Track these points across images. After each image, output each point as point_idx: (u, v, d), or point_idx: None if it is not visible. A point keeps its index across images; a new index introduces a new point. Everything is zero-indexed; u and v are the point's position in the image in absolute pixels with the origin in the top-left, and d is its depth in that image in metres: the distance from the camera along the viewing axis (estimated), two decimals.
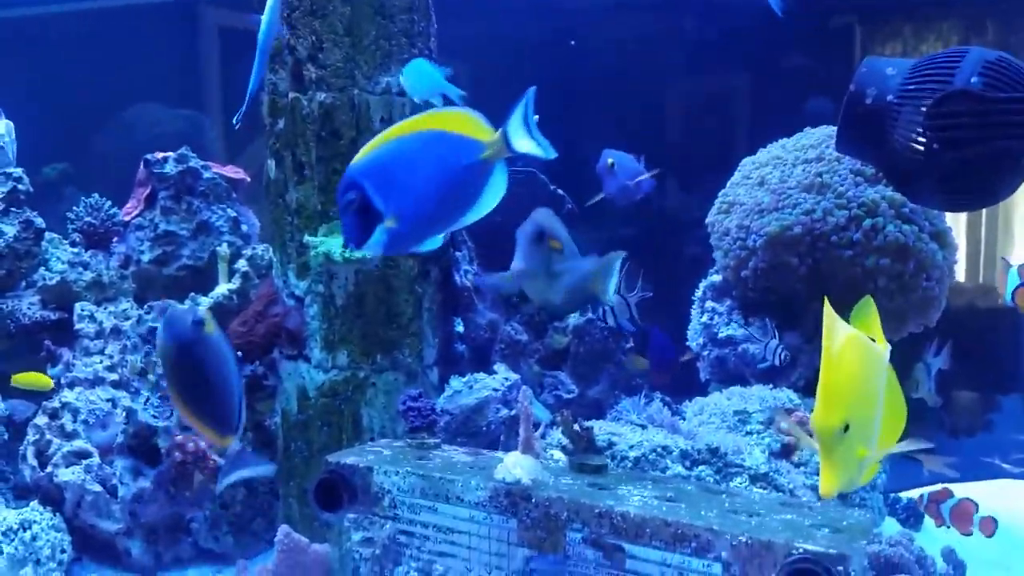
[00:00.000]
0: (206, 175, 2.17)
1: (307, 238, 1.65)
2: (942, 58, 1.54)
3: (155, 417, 1.83)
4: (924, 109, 1.49)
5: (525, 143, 1.02)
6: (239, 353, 1.81)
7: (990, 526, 1.98)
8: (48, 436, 1.88)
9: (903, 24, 2.95)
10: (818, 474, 1.71)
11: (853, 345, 0.92)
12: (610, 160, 1.92)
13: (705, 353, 2.14)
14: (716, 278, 2.18)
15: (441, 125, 1.04)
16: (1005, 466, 2.66)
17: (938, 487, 2.03)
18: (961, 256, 2.58)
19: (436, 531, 1.30)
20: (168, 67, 3.57)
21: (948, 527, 2.15)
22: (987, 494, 2.48)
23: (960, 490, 2.52)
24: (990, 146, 1.55)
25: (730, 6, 2.80)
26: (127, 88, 3.52)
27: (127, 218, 2.21)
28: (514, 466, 1.25)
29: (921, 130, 1.56)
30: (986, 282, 2.90)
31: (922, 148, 1.57)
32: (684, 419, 1.82)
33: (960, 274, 2.54)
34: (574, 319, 1.94)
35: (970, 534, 2.00)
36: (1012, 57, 1.65)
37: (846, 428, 0.88)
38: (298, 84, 1.68)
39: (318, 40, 1.64)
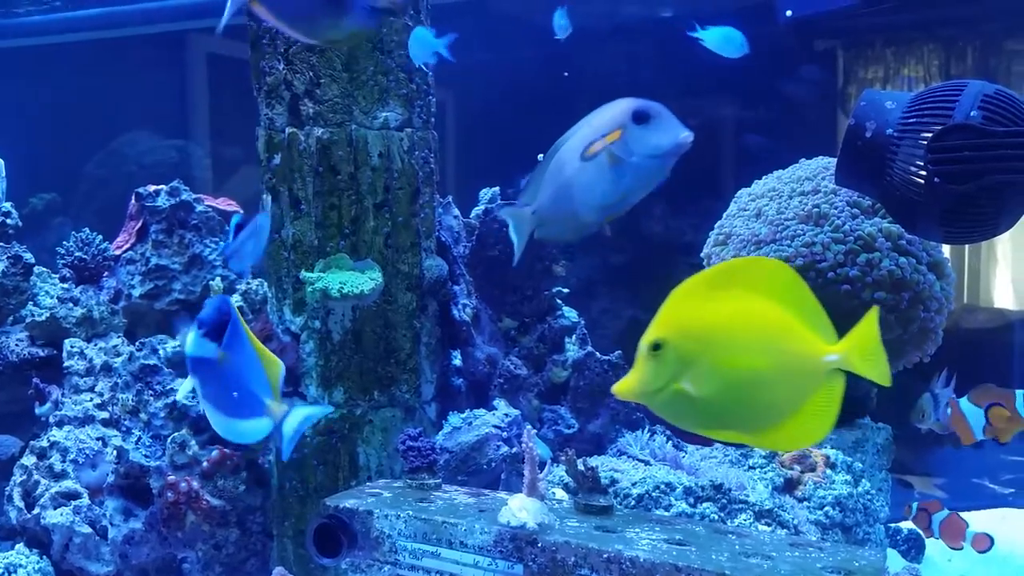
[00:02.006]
0: (198, 208, 2.14)
1: (304, 274, 1.63)
2: (941, 91, 1.55)
3: (147, 457, 1.79)
4: (924, 142, 1.49)
5: None
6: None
7: (984, 542, 1.96)
8: (36, 476, 1.84)
9: (885, 48, 2.99)
10: (822, 508, 1.70)
11: (733, 298, 0.91)
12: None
13: None
14: None
15: None
16: (994, 487, 2.66)
17: (931, 500, 2.01)
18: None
19: None
20: (157, 96, 3.56)
21: (950, 560, 2.14)
22: (988, 521, 2.48)
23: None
24: (990, 179, 1.55)
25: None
26: (116, 117, 3.50)
27: (118, 252, 2.18)
28: (519, 509, 1.22)
29: (921, 163, 1.56)
30: (971, 302, 2.91)
31: (922, 181, 1.57)
32: (686, 453, 1.80)
33: None
34: (573, 353, 1.93)
35: (960, 548, 1.97)
36: (1009, 90, 1.66)
37: (657, 347, 0.89)
38: (295, 119, 1.66)
39: (316, 76, 1.63)
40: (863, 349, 0.92)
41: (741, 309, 0.91)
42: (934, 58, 2.96)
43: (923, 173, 1.59)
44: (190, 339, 1.20)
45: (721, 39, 1.77)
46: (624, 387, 0.93)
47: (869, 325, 0.94)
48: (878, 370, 0.93)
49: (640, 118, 1.18)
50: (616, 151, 1.17)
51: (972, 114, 1.58)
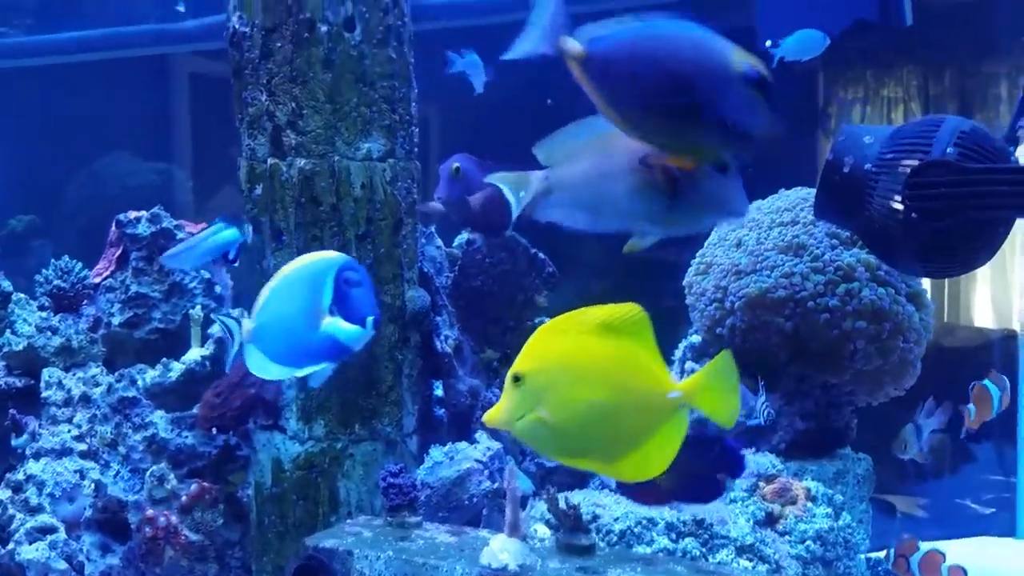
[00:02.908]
0: (179, 235, 2.13)
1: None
2: (919, 128, 1.57)
3: (125, 491, 1.77)
4: (902, 178, 1.51)
5: None
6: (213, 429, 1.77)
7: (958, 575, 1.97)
8: (11, 511, 1.81)
9: (864, 69, 3.02)
10: (803, 542, 1.70)
11: (588, 337, 0.98)
12: (455, 165, 1.81)
13: None
14: (695, 338, 2.17)
15: None
16: (975, 507, 2.67)
17: (906, 540, 2.02)
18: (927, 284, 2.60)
19: None
20: (139, 117, 3.54)
21: None
22: (966, 551, 2.48)
23: (941, 547, 2.51)
24: (967, 215, 1.57)
25: None
26: (97, 139, 3.48)
27: (97, 279, 2.16)
28: (500, 551, 1.22)
29: (899, 199, 1.57)
30: (951, 321, 2.93)
31: (900, 216, 1.59)
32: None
33: None
34: None
35: None
36: (984, 127, 1.68)
37: (518, 379, 0.98)
38: (277, 150, 1.66)
39: (298, 107, 1.63)
40: (708, 389, 0.98)
41: (594, 346, 0.98)
42: (912, 79, 2.99)
43: (901, 208, 1.61)
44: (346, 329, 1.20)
45: (799, 44, 1.76)
46: (491, 415, 1.01)
47: (719, 366, 0.99)
48: (723, 411, 0.99)
49: (719, 165, 1.12)
50: (677, 175, 1.09)
51: (948, 151, 1.59)
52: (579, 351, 0.98)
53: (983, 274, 2.87)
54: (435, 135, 3.09)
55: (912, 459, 1.92)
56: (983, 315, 2.92)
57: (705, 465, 1.19)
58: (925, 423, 1.87)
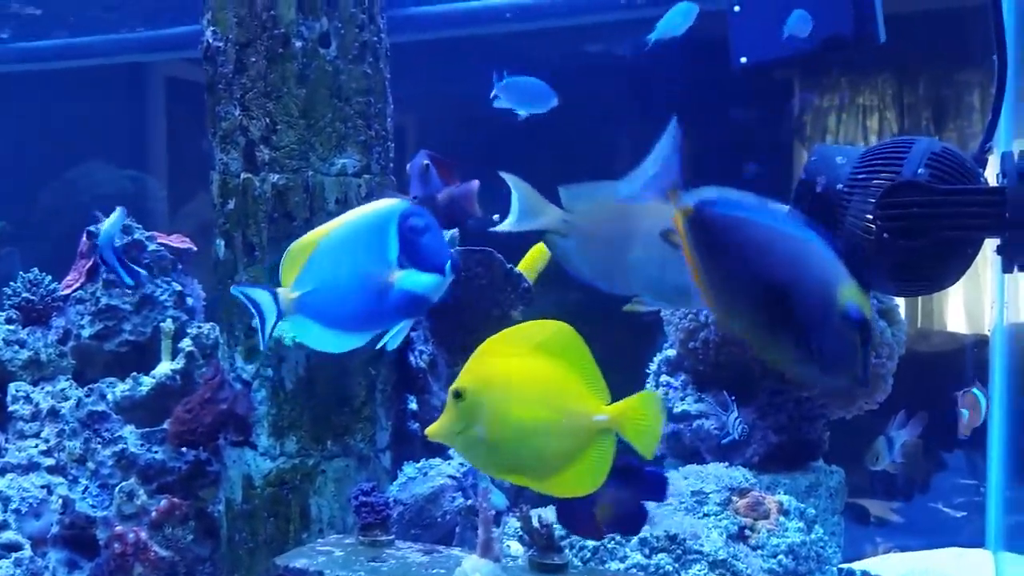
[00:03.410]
0: (150, 247, 2.11)
1: (256, 321, 1.60)
2: (890, 148, 1.58)
3: (93, 507, 1.74)
4: (873, 199, 1.52)
5: None
6: (183, 448, 1.75)
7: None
8: None
9: (840, 77, 3.05)
10: (775, 557, 1.71)
11: (525, 356, 1.02)
12: (425, 162, 1.76)
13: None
14: (670, 352, 2.18)
15: None
16: (947, 511, 2.70)
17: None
18: (901, 300, 2.63)
19: None
20: (113, 124, 3.51)
21: None
22: (936, 562, 2.51)
23: (911, 559, 2.54)
24: (937, 236, 1.59)
25: (673, 57, 2.86)
26: (70, 146, 3.44)
27: (67, 291, 2.13)
28: (473, 571, 1.21)
29: (871, 219, 1.59)
30: (924, 326, 2.96)
31: (872, 236, 1.60)
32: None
33: None
34: None
35: None
36: (955, 148, 1.70)
37: (458, 395, 1.00)
38: (250, 165, 1.65)
39: (272, 122, 1.62)
40: (633, 417, 1.01)
41: (528, 366, 1.02)
42: (888, 87, 3.02)
43: (872, 228, 1.62)
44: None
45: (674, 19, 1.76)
46: (433, 429, 1.03)
47: (647, 399, 1.02)
48: (644, 440, 1.01)
49: None
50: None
51: (919, 172, 1.61)
52: (516, 371, 1.02)
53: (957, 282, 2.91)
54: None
55: (884, 470, 1.94)
56: (956, 321, 2.95)
57: (631, 494, 1.20)
58: (897, 435, 1.89)
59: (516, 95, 1.96)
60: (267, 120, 1.62)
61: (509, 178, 1.13)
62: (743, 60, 2.45)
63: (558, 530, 1.50)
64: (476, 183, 1.67)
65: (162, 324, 1.98)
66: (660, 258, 1.08)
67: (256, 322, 1.12)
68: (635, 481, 1.20)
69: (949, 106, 2.94)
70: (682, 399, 2.11)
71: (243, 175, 1.65)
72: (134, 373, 1.90)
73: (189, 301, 2.10)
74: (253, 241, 1.65)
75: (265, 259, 1.64)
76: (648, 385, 2.23)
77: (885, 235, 1.62)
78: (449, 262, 1.10)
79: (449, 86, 2.89)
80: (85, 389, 1.86)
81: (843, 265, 0.93)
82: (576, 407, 1.01)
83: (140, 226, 2.17)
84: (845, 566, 2.19)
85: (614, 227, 1.11)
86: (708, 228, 0.96)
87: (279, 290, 1.10)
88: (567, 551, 1.44)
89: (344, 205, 1.65)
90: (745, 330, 1.04)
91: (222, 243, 1.69)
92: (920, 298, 3.00)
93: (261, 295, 1.11)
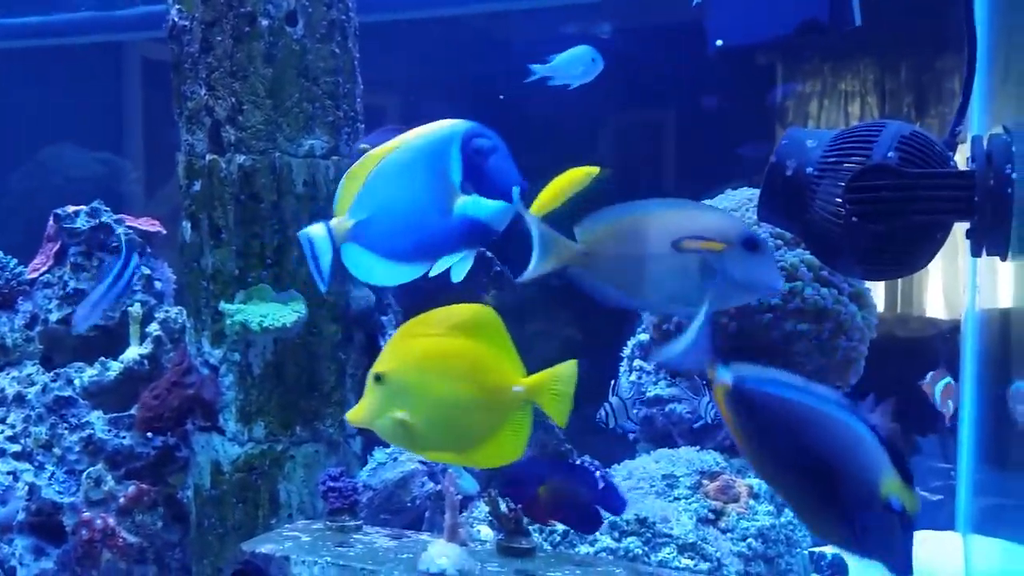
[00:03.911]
0: (119, 230, 2.08)
1: (223, 305, 1.59)
2: (860, 132, 1.58)
3: (60, 493, 1.72)
4: (843, 182, 1.52)
5: None
6: (151, 433, 1.73)
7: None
8: None
9: (822, 63, 3.05)
10: (744, 540, 1.72)
11: (443, 337, 1.06)
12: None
13: (633, 412, 2.14)
14: (644, 337, 2.18)
15: None
16: (925, 494, 2.73)
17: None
18: (879, 284, 2.64)
19: None
20: (86, 106, 3.45)
21: None
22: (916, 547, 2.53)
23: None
24: (906, 219, 1.59)
25: (654, 43, 2.85)
26: (40, 128, 3.39)
27: (34, 275, 2.10)
28: (439, 556, 1.21)
29: (840, 202, 1.59)
30: (904, 311, 2.98)
31: (841, 220, 1.60)
32: None
33: (879, 303, 2.60)
34: None
35: None
36: (925, 132, 1.70)
37: (379, 379, 1.03)
38: (216, 146, 1.62)
39: (238, 102, 1.60)
40: (548, 387, 1.07)
41: (447, 346, 1.05)
42: (869, 73, 3.03)
43: (842, 212, 1.62)
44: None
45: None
46: (354, 414, 1.05)
47: (561, 371, 1.07)
48: (557, 408, 1.07)
49: (749, 245, 1.12)
50: (711, 262, 1.09)
51: (889, 155, 1.61)
52: (436, 351, 1.05)
53: (935, 266, 2.93)
54: None
55: None
56: (935, 306, 2.97)
57: (587, 497, 1.24)
58: (868, 418, 1.90)
59: (567, 69, 1.97)
60: (233, 100, 1.59)
61: (531, 219, 1.08)
62: (719, 43, 2.45)
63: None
64: None
65: (130, 308, 1.95)
66: (675, 268, 1.09)
67: (311, 264, 1.05)
68: (596, 488, 1.24)
69: (931, 92, 2.95)
70: (655, 383, 2.11)
71: (209, 156, 1.62)
72: (102, 358, 1.88)
73: (158, 285, 2.07)
74: (219, 223, 1.62)
75: (232, 241, 1.62)
76: (622, 370, 2.23)
77: (854, 219, 1.63)
78: (517, 188, 1.01)
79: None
80: (51, 374, 1.83)
81: (886, 452, 0.94)
82: (495, 382, 1.05)
83: (108, 209, 2.13)
84: (816, 550, 2.21)
85: (626, 247, 1.10)
86: (747, 404, 0.98)
87: (333, 220, 1.03)
88: (535, 535, 1.44)
89: (312, 187, 1.63)
90: (788, 499, 1.06)
91: (188, 225, 1.67)
92: (899, 284, 3.02)
93: (316, 232, 1.03)
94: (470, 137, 1.02)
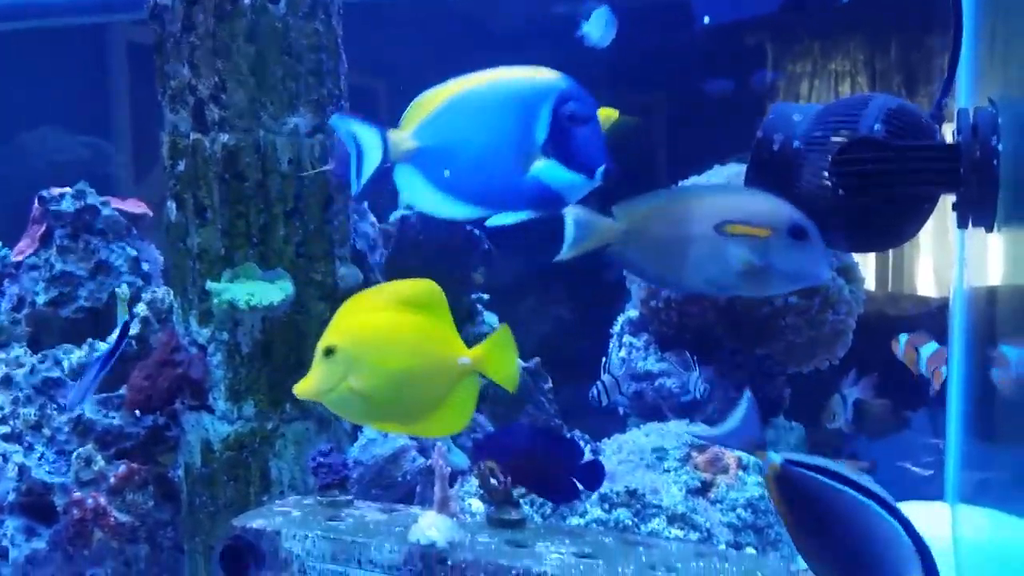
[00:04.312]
0: (105, 212, 2.07)
1: (210, 284, 1.58)
2: (846, 105, 1.58)
3: (50, 473, 1.72)
4: (829, 155, 1.52)
5: None
6: (140, 413, 1.73)
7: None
8: None
9: (812, 42, 3.05)
10: (734, 510, 1.73)
11: (390, 310, 1.08)
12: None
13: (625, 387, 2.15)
14: (633, 313, 2.19)
15: None
16: (916, 470, 2.75)
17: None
18: (871, 263, 2.65)
19: None
20: (72, 89, 3.42)
21: None
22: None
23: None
24: (892, 192, 1.59)
25: (644, 23, 2.83)
26: (24, 112, 3.35)
27: (20, 258, 2.09)
28: (429, 527, 1.21)
29: (827, 175, 1.59)
30: (895, 290, 3.00)
31: (827, 193, 1.61)
32: (604, 457, 1.82)
33: (870, 282, 2.61)
34: None
35: None
36: (912, 105, 1.70)
37: (329, 352, 1.05)
38: (200, 125, 1.61)
39: (221, 80, 1.58)
40: (492, 356, 1.10)
41: (395, 319, 1.08)
42: (859, 53, 3.03)
43: (828, 185, 1.63)
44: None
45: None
46: (303, 387, 1.06)
47: (499, 338, 1.11)
48: (504, 375, 1.11)
49: (796, 233, 1.10)
50: (754, 249, 1.08)
51: (876, 128, 1.61)
52: (383, 324, 1.07)
53: (926, 246, 2.95)
54: None
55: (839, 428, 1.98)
56: (926, 285, 2.99)
57: (566, 468, 1.25)
58: (849, 392, 1.92)
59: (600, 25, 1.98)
60: (216, 79, 1.58)
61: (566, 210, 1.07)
62: (706, 20, 2.44)
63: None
64: None
65: (117, 290, 1.95)
66: (717, 252, 1.08)
67: (353, 163, 0.97)
68: (577, 460, 1.25)
69: (920, 71, 2.95)
70: (644, 359, 2.12)
71: (193, 135, 1.61)
72: (90, 340, 1.87)
73: (145, 266, 2.07)
74: (205, 203, 1.62)
75: (217, 221, 1.61)
76: (611, 345, 2.24)
77: (840, 191, 1.63)
78: (603, 167, 0.95)
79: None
80: (39, 356, 1.83)
81: (918, 554, 0.97)
82: (441, 353, 1.09)
83: (93, 190, 2.12)
84: None
85: (668, 228, 1.10)
86: (794, 487, 1.00)
87: (392, 132, 0.95)
88: (525, 507, 1.45)
89: (297, 166, 1.63)
90: None
91: (173, 205, 1.66)
92: (891, 263, 3.03)
93: (367, 131, 0.95)
94: (566, 99, 0.95)
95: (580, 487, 1.28)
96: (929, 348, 1.97)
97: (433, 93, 0.97)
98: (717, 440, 1.20)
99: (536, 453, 1.25)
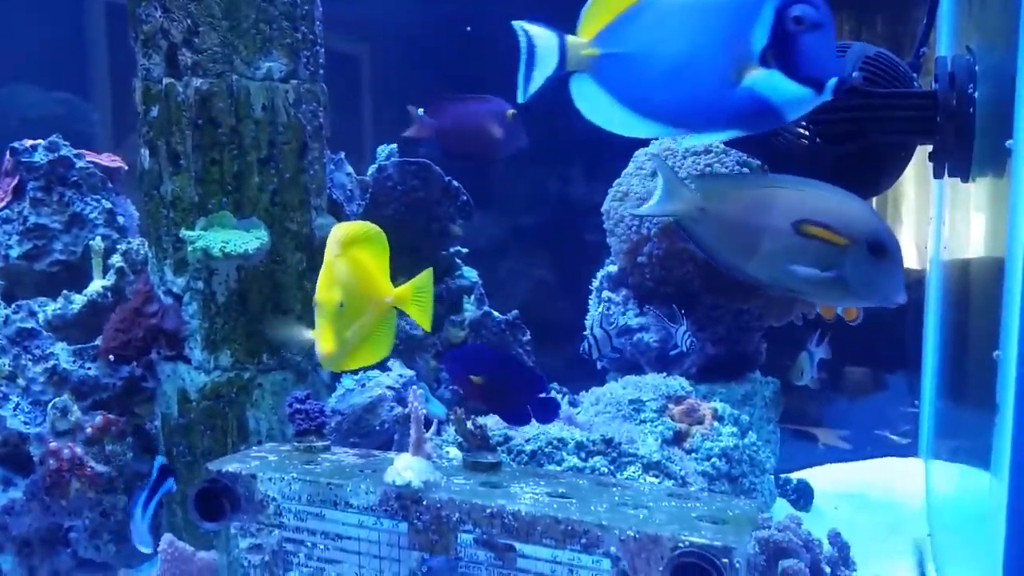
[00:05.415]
0: (79, 164, 2.04)
1: (184, 232, 1.57)
2: None
3: (26, 423, 1.71)
4: None
5: None
6: (116, 362, 1.72)
7: None
8: None
9: None
10: (708, 459, 1.75)
11: (350, 252, 1.22)
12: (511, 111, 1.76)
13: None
14: (612, 268, 2.19)
15: None
16: (894, 438, 2.79)
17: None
18: None
19: (324, 538, 1.26)
20: (46, 45, 3.35)
21: (836, 508, 2.24)
22: (872, 471, 2.60)
23: (848, 469, 2.63)
24: (870, 140, 1.60)
25: None
26: None
27: None
28: (404, 468, 1.22)
29: (804, 124, 1.59)
30: None
31: (805, 142, 1.61)
32: (580, 410, 1.83)
33: None
34: (471, 313, 1.92)
35: None
36: (890, 53, 1.70)
37: (341, 305, 1.17)
38: (173, 70, 1.59)
39: (194, 24, 1.56)
40: (413, 296, 1.27)
41: (356, 265, 1.22)
42: (845, 24, 3.03)
43: (806, 134, 1.63)
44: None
45: None
46: (331, 347, 1.18)
47: (419, 282, 1.28)
48: (421, 313, 1.28)
49: (876, 248, 1.03)
50: (827, 256, 1.02)
51: (853, 75, 1.61)
52: (352, 272, 1.21)
53: (908, 219, 2.96)
54: None
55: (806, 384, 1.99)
56: (907, 257, 3.02)
57: (526, 396, 1.32)
58: (815, 351, 1.94)
59: None
60: (188, 22, 1.55)
61: (657, 161, 1.10)
62: None
63: (497, 434, 1.51)
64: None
65: (92, 242, 1.93)
66: (791, 249, 1.05)
67: (522, 68, 0.85)
68: (533, 391, 1.31)
69: (904, 42, 2.95)
70: (623, 314, 2.13)
71: (165, 80, 1.59)
72: (65, 292, 1.85)
73: (120, 220, 2.04)
74: (178, 150, 1.60)
75: (191, 168, 1.59)
76: (590, 301, 2.24)
77: (817, 140, 1.63)
78: (836, 79, 0.82)
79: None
80: (13, 307, 1.81)
81: None
82: (377, 292, 1.24)
83: (67, 143, 2.09)
84: (782, 476, 2.26)
85: (748, 217, 1.08)
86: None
87: (571, 38, 0.84)
88: (503, 455, 1.46)
89: (271, 112, 1.60)
90: None
91: (147, 153, 1.64)
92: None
93: (543, 35, 0.84)
94: (793, 1, 0.83)
95: (532, 417, 1.32)
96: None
97: None
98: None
99: (502, 374, 1.30)
